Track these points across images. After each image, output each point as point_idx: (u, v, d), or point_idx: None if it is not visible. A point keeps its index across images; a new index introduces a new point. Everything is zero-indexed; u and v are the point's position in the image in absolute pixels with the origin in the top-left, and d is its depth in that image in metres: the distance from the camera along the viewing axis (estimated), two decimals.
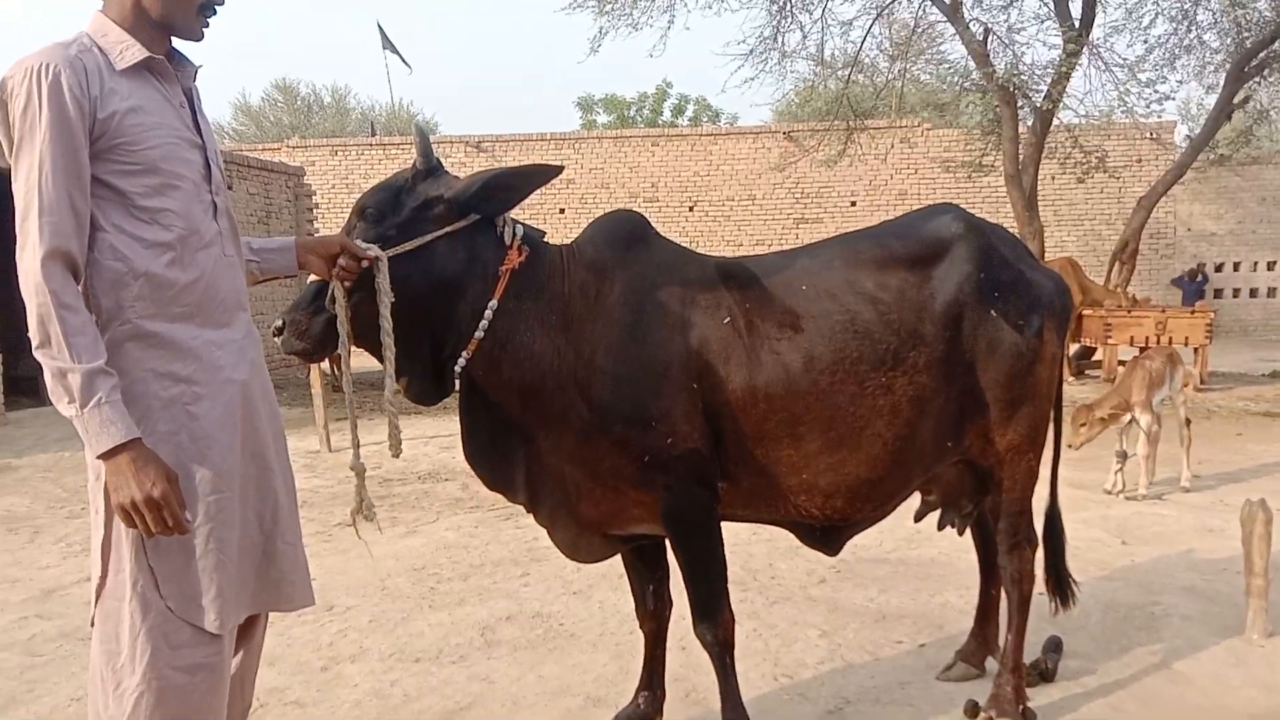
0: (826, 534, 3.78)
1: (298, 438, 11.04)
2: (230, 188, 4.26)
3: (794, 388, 3.40)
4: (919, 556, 6.24)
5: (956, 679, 4.31)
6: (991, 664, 4.25)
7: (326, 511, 7.91)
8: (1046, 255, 15.42)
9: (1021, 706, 3.86)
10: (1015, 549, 3.92)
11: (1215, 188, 23.04)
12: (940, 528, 4.17)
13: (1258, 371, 16.39)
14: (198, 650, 2.56)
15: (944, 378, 3.59)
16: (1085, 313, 14.26)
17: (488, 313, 3.27)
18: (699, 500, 3.40)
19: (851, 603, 5.44)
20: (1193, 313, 14.32)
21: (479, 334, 3.28)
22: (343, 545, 6.94)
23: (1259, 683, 4.31)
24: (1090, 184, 22.39)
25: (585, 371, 3.32)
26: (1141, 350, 8.48)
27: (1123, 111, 13.17)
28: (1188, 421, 8.20)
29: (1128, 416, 7.73)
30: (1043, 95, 13.57)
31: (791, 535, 3.83)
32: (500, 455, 3.46)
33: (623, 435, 3.30)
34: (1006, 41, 14.77)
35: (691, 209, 25.43)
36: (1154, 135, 22.88)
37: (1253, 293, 23.20)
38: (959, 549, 4.87)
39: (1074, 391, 13.16)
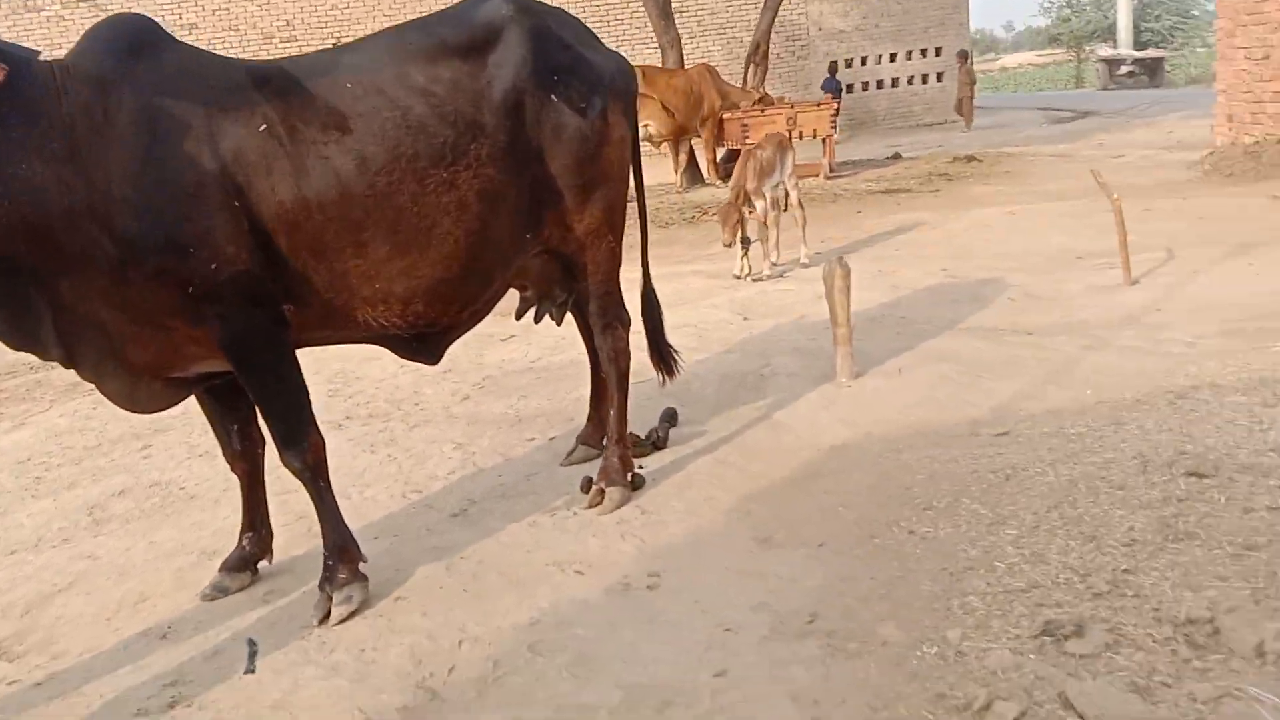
0: (422, 343, 3.71)
1: None
2: None
3: (349, 193, 3.21)
4: (560, 361, 6.39)
5: (578, 461, 4.48)
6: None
7: None
8: (686, 63, 15.79)
9: (629, 473, 4.08)
10: (608, 329, 4.04)
11: None
12: (537, 320, 4.22)
13: (880, 157, 17.97)
14: None
15: (511, 169, 3.52)
16: (725, 116, 14.86)
17: None
18: (259, 327, 3.19)
19: (491, 413, 5.49)
20: (818, 106, 15.32)
21: None
22: None
23: (841, 418, 4.81)
24: None
25: (103, 204, 2.95)
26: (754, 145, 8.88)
27: None
28: (800, 204, 8.82)
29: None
30: None
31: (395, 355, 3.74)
32: (18, 309, 3.05)
33: (158, 268, 3.00)
34: None
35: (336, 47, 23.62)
36: None
37: (879, 84, 25.19)
38: None
39: (719, 195, 13.84)
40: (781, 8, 18.00)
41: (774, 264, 8.40)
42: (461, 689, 2.88)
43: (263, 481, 3.71)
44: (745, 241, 8.09)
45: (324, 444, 3.39)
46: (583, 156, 3.70)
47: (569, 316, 4.33)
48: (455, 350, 7.19)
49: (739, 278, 8.24)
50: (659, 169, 15.43)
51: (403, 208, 3.29)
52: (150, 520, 4.51)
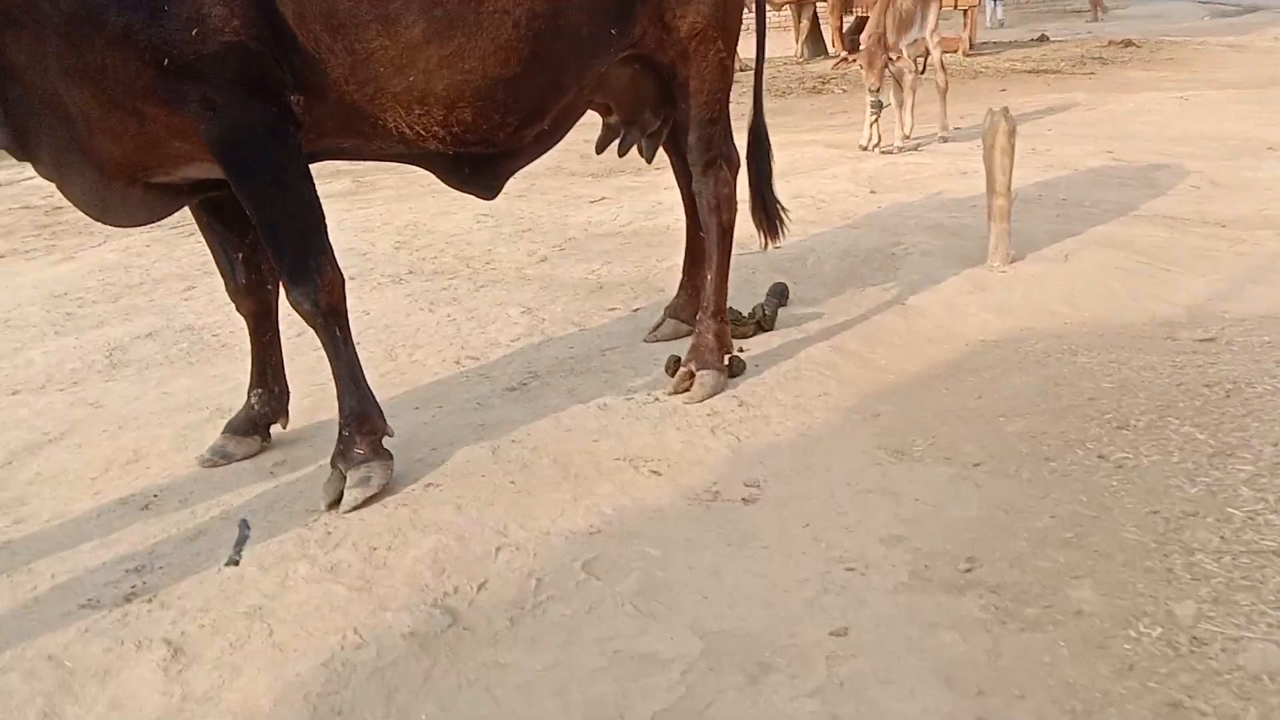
0: (475, 169, 2.92)
1: None
2: None
3: None
4: (655, 226, 5.55)
5: (664, 338, 3.69)
6: None
7: None
8: None
9: (727, 356, 3.27)
10: (711, 169, 3.18)
11: None
12: (622, 153, 3.38)
13: (1026, 39, 16.26)
14: None
15: None
16: None
17: None
18: (259, 119, 2.43)
19: (569, 277, 4.72)
20: None
21: None
22: None
23: (994, 306, 3.90)
24: None
25: None
26: None
27: None
28: (943, 66, 7.65)
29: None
30: None
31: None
32: None
33: (124, 28, 2.26)
34: None
35: None
36: None
37: None
38: None
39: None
40: None
41: (906, 135, 7.31)
42: (490, 615, 2.17)
43: (275, 326, 3.02)
44: (877, 105, 7.01)
45: (342, 281, 2.65)
46: None
47: (661, 153, 3.48)
48: (537, 208, 6.56)
49: (865, 148, 7.20)
50: (778, 40, 14.14)
51: None
52: (171, 368, 3.91)
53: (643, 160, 3.49)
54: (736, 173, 3.30)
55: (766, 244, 3.62)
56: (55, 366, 4.00)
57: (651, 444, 2.87)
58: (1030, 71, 12.01)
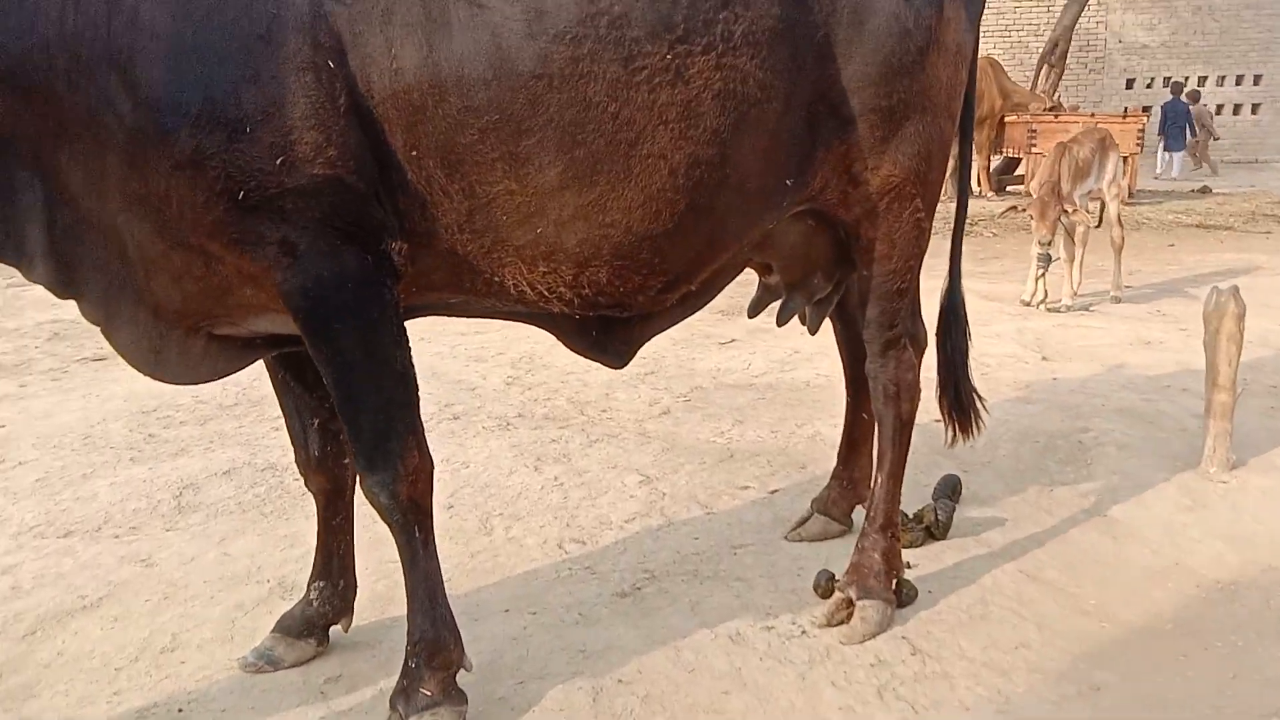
0: (606, 332, 2.39)
1: None
2: None
3: (510, 69, 1.93)
4: (793, 380, 4.95)
5: (811, 538, 3.05)
6: (860, 515, 2.99)
7: (78, 344, 6.32)
8: None
9: (895, 580, 2.60)
10: (891, 348, 2.58)
11: None
12: (781, 321, 2.80)
13: (1185, 189, 15.35)
14: None
15: (778, 66, 2.14)
16: (1008, 118, 12.87)
17: None
18: (350, 270, 1.95)
19: (694, 438, 4.13)
20: (1124, 118, 13.03)
21: None
22: (74, 383, 5.40)
23: (1224, 532, 3.14)
24: None
25: (126, 37, 1.81)
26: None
27: None
28: (1119, 221, 6.95)
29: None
30: None
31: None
32: None
33: (194, 153, 1.83)
34: None
35: None
36: None
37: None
38: None
39: (992, 208, 11.94)
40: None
41: (1075, 293, 6.59)
42: None
43: (349, 508, 2.50)
44: (1045, 258, 6.34)
45: (431, 470, 2.13)
46: (897, 63, 2.27)
47: (828, 322, 2.91)
48: (660, 347, 5.93)
49: (1028, 303, 6.49)
50: None
51: (593, 104, 1.98)
52: (240, 518, 3.44)
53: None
54: (922, 354, 2.70)
55: (954, 438, 2.96)
56: (118, 504, 3.58)
57: (799, 707, 2.21)
58: (1198, 226, 11.13)
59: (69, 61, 1.83)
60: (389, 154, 1.93)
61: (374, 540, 2.87)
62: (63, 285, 2.04)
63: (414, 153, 1.94)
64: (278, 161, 1.85)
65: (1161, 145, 17.92)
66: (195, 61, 1.81)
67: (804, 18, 2.16)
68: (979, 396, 2.99)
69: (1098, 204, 7.08)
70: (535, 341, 5.80)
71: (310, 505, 3.43)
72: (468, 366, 5.35)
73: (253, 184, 1.85)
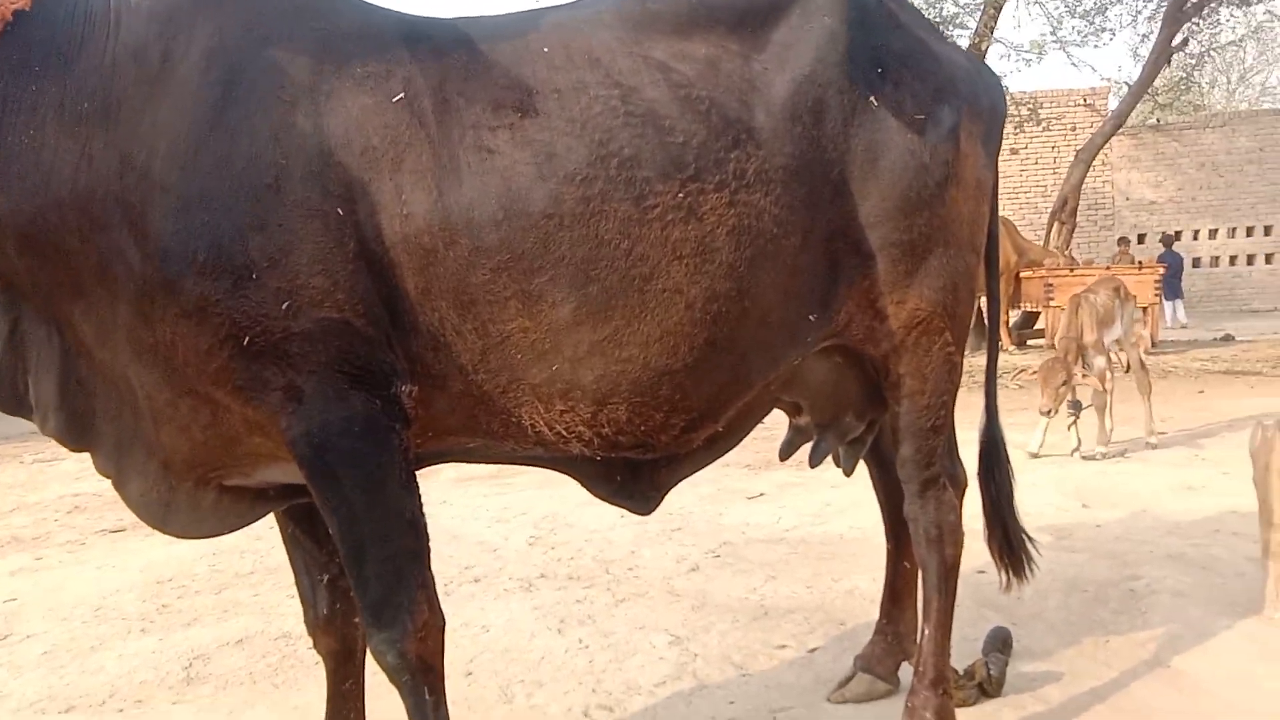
0: (631, 477, 2.30)
1: None
2: None
3: (522, 210, 1.93)
4: (825, 533, 4.78)
5: (856, 699, 2.84)
6: (907, 672, 2.80)
7: (98, 516, 6.25)
8: None
9: None
10: (930, 488, 2.47)
11: (1153, 154, 22.01)
12: (814, 463, 2.70)
13: (1207, 338, 15.33)
14: None
15: (794, 203, 2.14)
16: (1024, 274, 13.03)
17: None
18: (357, 415, 1.89)
19: (726, 596, 3.95)
20: (1140, 269, 13.16)
21: None
22: (91, 555, 5.30)
23: None
24: (1024, 153, 21.38)
25: (138, 190, 1.83)
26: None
27: (1055, 43, 11.93)
28: (1144, 366, 6.87)
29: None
30: (972, 31, 12.27)
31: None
32: (10, 349, 1.95)
33: (200, 300, 1.81)
34: None
35: None
36: (1087, 101, 21.86)
37: (1195, 262, 22.11)
38: (881, 521, 3.47)
39: (1015, 361, 11.91)
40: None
41: (1109, 440, 6.44)
42: None
43: (360, 672, 2.35)
44: (1075, 405, 6.24)
45: (442, 626, 2.00)
46: (914, 198, 2.26)
47: (862, 463, 2.80)
48: (687, 502, 5.84)
49: (1036, 455, 6.30)
50: None
51: (605, 241, 1.97)
52: (251, 689, 3.28)
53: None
54: (963, 495, 2.59)
55: (1007, 583, 2.80)
56: (125, 677, 3.43)
57: None
58: (1225, 372, 11.04)
59: (80, 217, 1.84)
60: (399, 297, 1.91)
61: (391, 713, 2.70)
62: (75, 437, 1.99)
63: (425, 294, 1.92)
64: (283, 306, 1.82)
65: (1164, 295, 18.18)
66: (202, 211, 1.81)
67: (818, 155, 2.17)
68: (1029, 537, 2.85)
69: (1119, 352, 7.04)
70: (559, 500, 5.68)
71: (323, 675, 3.29)
72: (489, 528, 5.22)
73: (258, 329, 1.82)
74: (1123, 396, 7.21)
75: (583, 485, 2.36)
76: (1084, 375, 6.23)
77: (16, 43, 1.84)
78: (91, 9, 1.91)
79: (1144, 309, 13.02)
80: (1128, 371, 6.85)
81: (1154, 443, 6.56)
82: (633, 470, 2.30)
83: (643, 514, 2.41)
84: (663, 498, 2.40)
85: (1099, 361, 6.33)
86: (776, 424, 2.90)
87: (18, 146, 1.82)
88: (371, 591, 1.92)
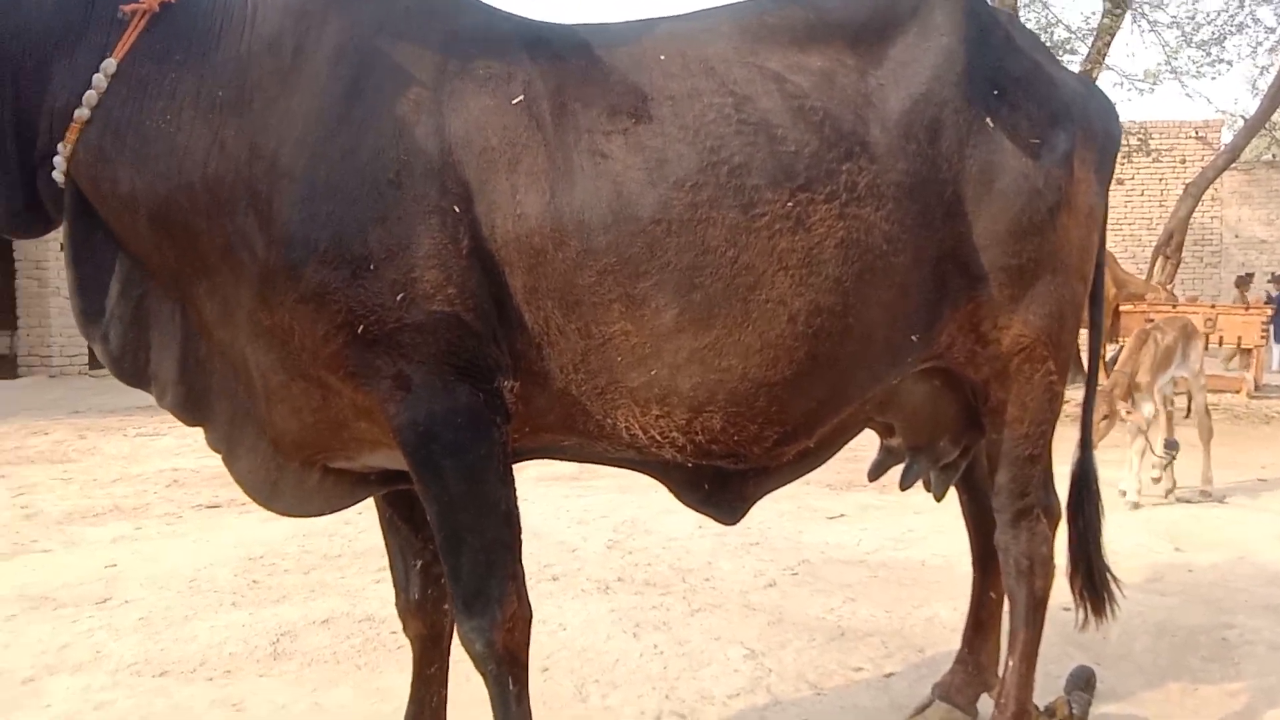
0: (719, 486, 2.32)
1: None
2: None
3: (630, 214, 1.97)
4: (907, 559, 4.72)
5: None
6: (986, 705, 2.75)
7: (195, 491, 6.49)
8: None
9: None
10: (1023, 519, 2.43)
11: (1266, 190, 21.27)
12: (905, 486, 2.67)
13: None
14: None
15: (904, 220, 2.13)
16: (1124, 308, 12.62)
17: (99, 79, 1.90)
18: (461, 407, 1.95)
19: (803, 614, 3.93)
20: (1246, 309, 12.65)
21: (82, 113, 1.89)
22: (187, 528, 5.51)
23: None
24: (1130, 184, 20.78)
25: (266, 178, 1.91)
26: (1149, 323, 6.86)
27: (1170, 73, 11.58)
28: (1207, 412, 6.61)
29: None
30: (1083, 58, 11.97)
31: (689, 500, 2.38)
32: (135, 322, 2.05)
33: (318, 287, 1.88)
34: None
35: None
36: (1200, 134, 21.19)
37: None
38: (964, 550, 3.38)
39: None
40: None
41: (1175, 483, 6.22)
42: None
43: (445, 658, 2.41)
44: (1171, 445, 6.03)
45: (529, 618, 2.05)
46: (1026, 223, 2.23)
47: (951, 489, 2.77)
48: (767, 518, 5.81)
49: (1129, 498, 6.07)
50: None
51: (711, 249, 1.99)
52: (335, 668, 3.38)
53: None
54: (1056, 527, 2.54)
55: (1087, 621, 2.73)
56: (215, 647, 3.56)
57: None
58: None
59: (210, 200, 1.93)
60: (508, 294, 1.96)
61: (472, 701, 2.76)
62: (191, 412, 2.09)
63: (533, 293, 1.96)
64: (398, 298, 1.88)
65: (1272, 336, 17.36)
66: (326, 202, 1.89)
67: (932, 174, 2.16)
68: (1114, 577, 2.77)
69: (1185, 395, 6.76)
70: (639, 506, 5.72)
71: (406, 659, 3.36)
72: (570, 528, 5.28)
73: (373, 318, 1.89)
74: (1222, 440, 6.97)
75: (670, 491, 2.38)
76: (1128, 413, 5.95)
77: (161, 32, 1.95)
78: (230, 1, 2.01)
79: (1248, 351, 12.56)
80: (1188, 416, 6.59)
81: (1208, 491, 6.25)
82: (721, 480, 2.31)
83: (728, 524, 2.42)
84: (749, 509, 2.41)
85: (1147, 407, 6.07)
86: (858, 445, 2.88)
87: (155, 130, 1.92)
88: (464, 580, 1.97)
